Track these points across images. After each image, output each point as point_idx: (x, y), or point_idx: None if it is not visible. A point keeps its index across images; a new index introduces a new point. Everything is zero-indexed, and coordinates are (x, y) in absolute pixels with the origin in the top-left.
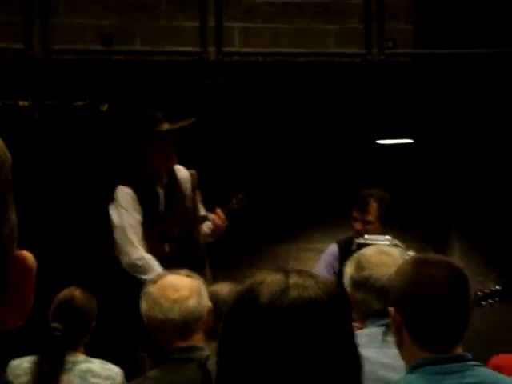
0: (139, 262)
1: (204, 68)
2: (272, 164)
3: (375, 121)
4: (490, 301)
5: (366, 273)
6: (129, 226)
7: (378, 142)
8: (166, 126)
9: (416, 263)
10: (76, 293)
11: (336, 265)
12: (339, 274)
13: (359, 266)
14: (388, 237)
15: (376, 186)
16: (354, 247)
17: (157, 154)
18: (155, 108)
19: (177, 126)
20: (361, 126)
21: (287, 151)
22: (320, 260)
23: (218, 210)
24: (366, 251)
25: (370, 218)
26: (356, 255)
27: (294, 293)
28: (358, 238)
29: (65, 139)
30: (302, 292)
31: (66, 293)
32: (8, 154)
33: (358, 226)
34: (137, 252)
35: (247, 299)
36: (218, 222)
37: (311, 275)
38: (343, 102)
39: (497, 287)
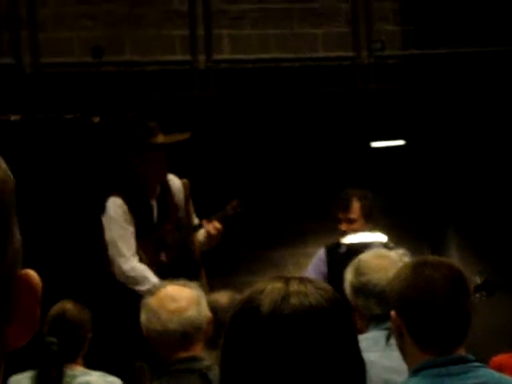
0: (131, 274)
1: (194, 77)
2: (266, 170)
3: (368, 123)
4: (477, 295)
5: (364, 278)
6: (119, 238)
7: (371, 144)
8: (160, 139)
9: (415, 266)
10: (68, 306)
11: (324, 269)
12: (329, 278)
13: (358, 272)
14: (375, 234)
15: (371, 187)
16: (342, 249)
17: (149, 166)
18: (149, 118)
19: (171, 140)
20: (354, 129)
21: (280, 157)
22: (309, 265)
23: (213, 220)
24: (364, 256)
25: (354, 215)
26: (355, 261)
27: (294, 300)
28: (343, 238)
29: (57, 153)
30: (303, 299)
31: (58, 307)
32: (10, 175)
33: (343, 226)
34: (127, 263)
35: (248, 309)
36: (213, 231)
37: (311, 282)
38: (335, 106)
39: (480, 281)
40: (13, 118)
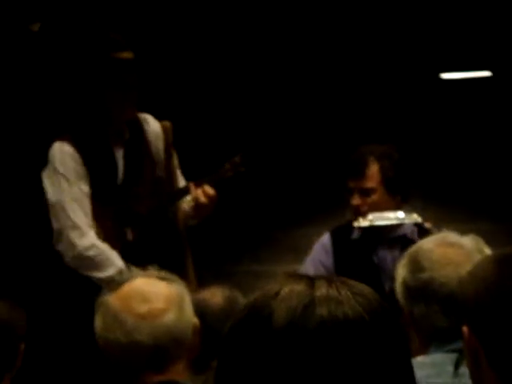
0: (89, 253)
1: None
2: (279, 115)
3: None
4: None
5: (425, 275)
6: (70, 202)
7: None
8: (130, 55)
9: (501, 261)
10: None
11: (328, 261)
12: (337, 273)
13: (416, 266)
14: (401, 212)
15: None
16: (354, 235)
17: (114, 94)
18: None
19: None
20: (419, 56)
21: (301, 94)
22: (307, 257)
23: (204, 184)
24: (424, 244)
25: (370, 184)
26: (411, 250)
27: (322, 309)
28: (356, 219)
29: None
30: (334, 308)
31: None
32: None
33: (355, 200)
34: (84, 237)
35: (256, 319)
36: (203, 199)
37: (346, 283)
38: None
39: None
40: None
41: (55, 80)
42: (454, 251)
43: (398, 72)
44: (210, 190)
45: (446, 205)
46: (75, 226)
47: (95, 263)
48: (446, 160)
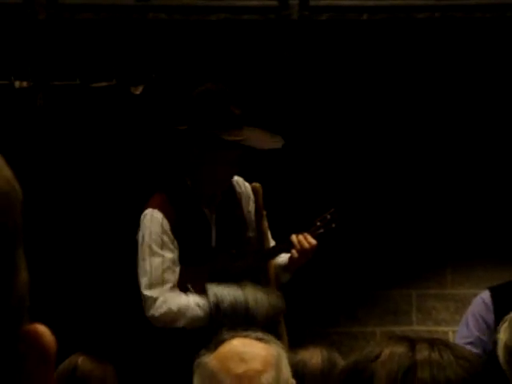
0: (161, 311)
1: (283, 30)
2: (374, 170)
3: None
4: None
5: None
6: (149, 271)
7: None
8: (244, 135)
9: None
10: (79, 360)
11: (490, 319)
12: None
13: None
14: None
15: None
16: None
17: (217, 168)
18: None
19: (263, 145)
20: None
21: (409, 149)
22: (465, 314)
23: (306, 233)
24: None
25: None
26: None
27: (424, 373)
28: None
29: (79, 135)
30: (436, 372)
31: (67, 362)
32: (18, 189)
33: None
34: (154, 305)
35: (356, 381)
36: (306, 245)
37: (449, 347)
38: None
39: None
40: (18, 84)
41: (157, 147)
42: None
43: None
44: (312, 240)
45: None
46: (147, 297)
47: (170, 317)
48: None
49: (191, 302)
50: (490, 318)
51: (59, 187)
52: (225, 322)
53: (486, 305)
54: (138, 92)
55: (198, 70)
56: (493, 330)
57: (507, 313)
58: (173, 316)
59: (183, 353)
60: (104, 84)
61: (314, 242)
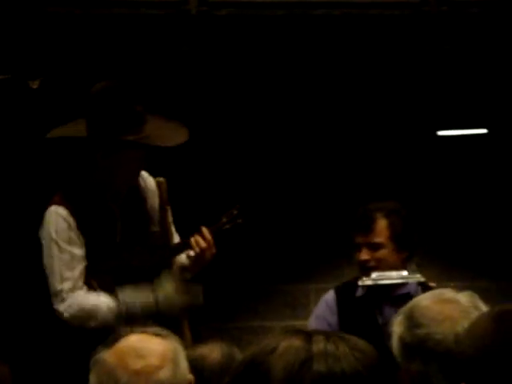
0: (70, 312)
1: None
2: (278, 166)
3: (434, 104)
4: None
5: (422, 332)
6: (59, 267)
7: (439, 133)
8: (147, 132)
9: (498, 318)
10: None
11: (332, 319)
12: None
13: (412, 323)
14: (405, 272)
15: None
16: (359, 293)
17: (121, 165)
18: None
19: (165, 142)
20: (416, 113)
21: (297, 146)
22: (312, 315)
23: (204, 230)
24: (419, 300)
25: (379, 239)
26: (407, 306)
27: (319, 365)
28: (361, 277)
29: None
30: (332, 364)
31: None
32: None
33: (363, 255)
34: (62, 302)
35: (253, 375)
36: (202, 244)
37: (344, 339)
38: (388, 76)
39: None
40: None
41: (56, 144)
42: (450, 307)
43: (396, 129)
44: (207, 234)
45: (443, 262)
46: (55, 291)
47: (80, 317)
48: (442, 216)
49: (102, 304)
50: (334, 319)
51: None
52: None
53: (329, 306)
54: (35, 86)
55: (97, 64)
56: (336, 329)
57: (350, 313)
58: (84, 317)
59: (80, 350)
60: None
61: (210, 238)
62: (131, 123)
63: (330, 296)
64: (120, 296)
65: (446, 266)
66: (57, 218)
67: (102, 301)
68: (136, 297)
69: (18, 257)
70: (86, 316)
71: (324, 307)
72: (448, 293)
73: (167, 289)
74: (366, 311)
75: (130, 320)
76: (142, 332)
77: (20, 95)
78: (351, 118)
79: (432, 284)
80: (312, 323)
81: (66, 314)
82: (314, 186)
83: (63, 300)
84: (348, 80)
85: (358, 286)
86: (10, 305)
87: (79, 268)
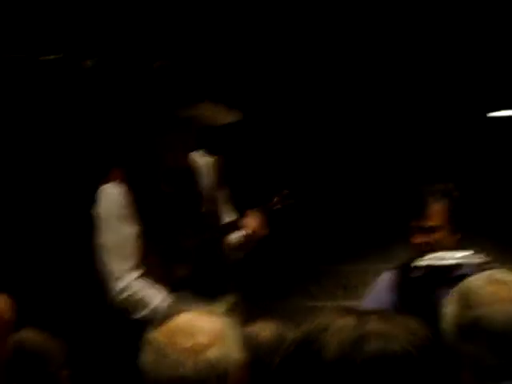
0: (122, 296)
1: None
2: (328, 153)
3: (485, 86)
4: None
5: (474, 313)
6: (109, 247)
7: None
8: (197, 110)
9: None
10: (26, 335)
11: (388, 300)
12: (399, 311)
13: (465, 304)
14: (460, 253)
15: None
16: (416, 274)
17: (175, 143)
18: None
19: (218, 120)
20: (467, 95)
21: (352, 126)
22: (367, 295)
23: (255, 211)
24: (473, 281)
25: (434, 222)
26: (460, 287)
27: (371, 344)
28: (416, 259)
29: (27, 111)
30: (384, 344)
31: (15, 337)
32: None
33: (418, 238)
34: (118, 282)
35: (306, 353)
36: (254, 224)
37: (396, 320)
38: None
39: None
40: None
41: (109, 118)
42: (503, 288)
43: (448, 112)
44: (258, 216)
45: (497, 244)
46: (111, 271)
47: (131, 304)
48: (494, 198)
49: (156, 297)
50: (389, 300)
51: (14, 162)
52: None
53: (385, 287)
54: (88, 66)
55: (152, 43)
56: (397, 310)
57: (409, 293)
58: (135, 304)
59: (132, 328)
60: (52, 57)
61: (261, 223)
62: (185, 101)
63: (386, 277)
64: (178, 298)
65: (499, 248)
66: (112, 195)
67: (156, 293)
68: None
69: (72, 236)
70: (137, 303)
71: (380, 288)
72: (502, 274)
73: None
74: (422, 293)
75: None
76: (193, 310)
77: (73, 74)
78: (404, 100)
79: (487, 264)
80: (367, 303)
81: (118, 296)
82: (369, 167)
83: (117, 279)
84: (401, 60)
85: (413, 267)
86: (63, 284)
87: (133, 247)
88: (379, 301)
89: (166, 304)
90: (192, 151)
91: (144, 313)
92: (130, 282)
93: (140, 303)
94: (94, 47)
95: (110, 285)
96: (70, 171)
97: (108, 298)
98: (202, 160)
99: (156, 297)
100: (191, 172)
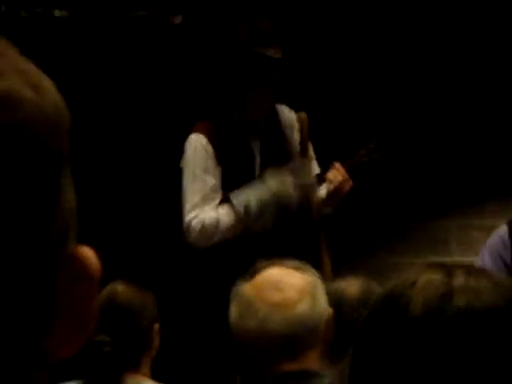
0: (193, 223)
1: None
2: (421, 101)
3: None
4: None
5: None
6: (192, 195)
7: None
8: (276, 52)
9: None
10: (118, 288)
11: (506, 254)
12: None
13: None
14: None
15: None
16: None
17: (255, 91)
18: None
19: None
20: None
21: (446, 83)
22: (483, 248)
23: (338, 165)
24: None
25: None
26: None
27: (460, 300)
28: None
29: (119, 67)
30: (472, 299)
31: (105, 291)
32: (65, 112)
33: None
34: (188, 214)
35: (392, 308)
36: (340, 177)
37: (486, 274)
38: None
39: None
40: (57, 13)
41: (196, 72)
42: None
43: None
44: (343, 170)
45: None
46: (189, 221)
47: (204, 229)
48: None
49: (220, 213)
50: (508, 254)
51: (106, 116)
52: (259, 223)
53: (502, 241)
54: (177, 22)
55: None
56: (510, 267)
57: None
58: (206, 231)
59: (221, 281)
60: (142, 13)
61: (347, 176)
62: (268, 42)
63: (503, 230)
64: (234, 200)
65: None
66: (196, 145)
67: (219, 211)
68: (250, 193)
69: (161, 186)
70: (208, 230)
71: (497, 241)
72: None
73: (278, 175)
74: None
75: (250, 219)
76: (282, 265)
77: (162, 31)
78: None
79: None
80: (485, 258)
81: (192, 236)
82: (454, 125)
83: (189, 228)
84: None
85: None
86: (151, 234)
87: (213, 198)
88: (497, 255)
89: (230, 215)
90: (273, 103)
91: (219, 236)
92: (197, 215)
93: (211, 228)
94: (183, 4)
95: (186, 231)
96: (160, 123)
97: (189, 238)
98: (288, 115)
99: (218, 214)
100: (279, 124)
